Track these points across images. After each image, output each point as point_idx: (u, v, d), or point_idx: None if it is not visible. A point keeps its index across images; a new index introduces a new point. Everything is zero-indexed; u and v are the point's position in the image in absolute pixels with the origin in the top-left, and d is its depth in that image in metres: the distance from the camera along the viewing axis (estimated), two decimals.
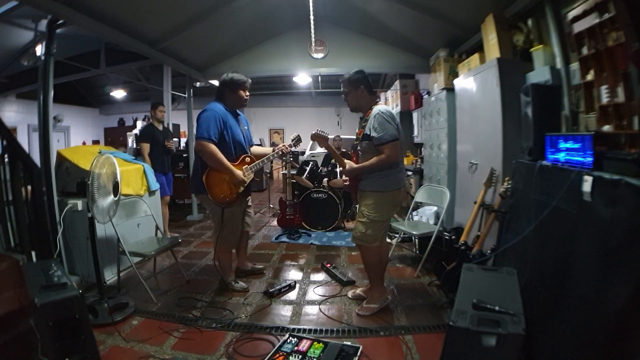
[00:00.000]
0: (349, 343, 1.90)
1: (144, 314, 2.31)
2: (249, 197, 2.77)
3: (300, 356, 1.77)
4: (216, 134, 2.39)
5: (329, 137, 2.42)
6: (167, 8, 3.32)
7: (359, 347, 1.84)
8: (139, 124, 8.51)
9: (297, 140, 2.77)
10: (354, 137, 2.46)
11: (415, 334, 2.04)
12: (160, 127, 4.05)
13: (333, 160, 4.65)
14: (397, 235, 3.51)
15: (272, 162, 2.77)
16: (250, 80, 2.60)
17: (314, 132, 2.33)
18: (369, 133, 2.17)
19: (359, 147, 2.29)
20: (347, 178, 2.36)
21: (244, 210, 2.70)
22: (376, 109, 2.21)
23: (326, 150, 2.57)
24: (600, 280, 1.30)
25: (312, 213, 4.36)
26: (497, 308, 1.33)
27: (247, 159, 2.57)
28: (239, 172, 2.46)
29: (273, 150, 2.71)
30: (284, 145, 2.69)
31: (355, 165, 2.24)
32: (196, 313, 2.31)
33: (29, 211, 2.34)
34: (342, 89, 2.34)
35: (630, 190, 1.21)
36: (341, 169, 2.32)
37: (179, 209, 5.73)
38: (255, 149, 2.74)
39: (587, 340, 1.32)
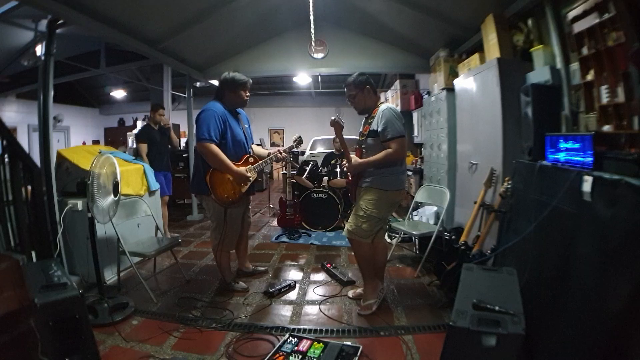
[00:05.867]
0: (349, 343, 1.90)
1: (144, 314, 2.30)
2: (250, 198, 2.78)
3: (300, 356, 1.77)
4: (217, 134, 2.37)
5: (331, 136, 2.42)
6: (167, 8, 3.32)
7: (359, 347, 1.84)
8: (139, 124, 8.52)
9: (299, 141, 2.79)
10: (355, 136, 2.47)
11: (415, 334, 2.04)
12: (157, 127, 4.05)
13: (334, 161, 4.65)
14: (397, 235, 3.51)
15: (271, 163, 2.79)
16: (251, 81, 2.58)
17: (333, 118, 2.28)
18: (375, 129, 2.19)
19: (363, 145, 2.30)
20: (349, 175, 2.37)
21: (244, 211, 2.70)
22: (384, 105, 2.25)
23: (329, 150, 2.55)
24: (600, 280, 1.30)
25: (312, 213, 4.36)
26: (497, 308, 1.33)
27: (251, 159, 2.57)
28: (242, 170, 2.45)
29: (268, 155, 2.69)
30: (278, 151, 2.70)
31: (361, 160, 2.24)
32: (196, 313, 2.31)
33: (29, 211, 2.34)
34: (347, 94, 2.35)
35: (630, 190, 1.21)
36: (346, 164, 2.32)
37: (179, 209, 5.72)
38: (254, 149, 2.73)
39: (587, 340, 1.32)
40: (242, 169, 2.47)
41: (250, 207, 2.85)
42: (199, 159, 2.49)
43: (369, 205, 2.21)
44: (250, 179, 2.51)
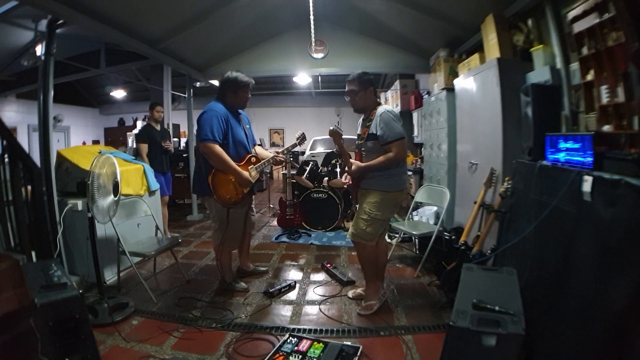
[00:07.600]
0: (349, 343, 1.89)
1: (144, 314, 2.30)
2: (253, 197, 2.78)
3: (300, 356, 1.77)
4: (220, 135, 2.36)
5: (329, 137, 2.42)
6: (167, 8, 3.32)
7: (359, 347, 1.84)
8: (139, 124, 8.52)
9: (302, 138, 2.78)
10: (354, 137, 2.46)
11: (415, 334, 2.04)
12: (158, 127, 4.05)
13: (334, 161, 4.65)
14: (397, 235, 3.51)
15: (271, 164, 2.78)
16: (253, 82, 2.56)
17: (331, 128, 2.28)
18: (374, 132, 2.18)
19: (363, 148, 2.29)
20: (348, 178, 2.36)
21: (246, 211, 2.70)
22: (382, 108, 2.24)
23: (330, 150, 2.56)
24: (600, 280, 1.30)
25: (312, 213, 4.36)
26: (497, 308, 1.33)
27: (253, 159, 2.56)
28: (245, 173, 2.44)
29: (269, 160, 2.66)
30: (276, 153, 2.70)
31: (362, 165, 2.23)
32: (196, 313, 2.31)
33: (29, 211, 2.34)
34: (349, 88, 2.30)
35: (630, 190, 1.21)
36: (347, 169, 2.31)
37: (179, 209, 5.72)
38: (256, 150, 2.71)
39: (587, 340, 1.32)
40: (246, 172, 2.46)
41: (253, 205, 2.85)
42: (201, 160, 2.47)
43: (373, 207, 2.20)
44: (253, 179, 2.51)
